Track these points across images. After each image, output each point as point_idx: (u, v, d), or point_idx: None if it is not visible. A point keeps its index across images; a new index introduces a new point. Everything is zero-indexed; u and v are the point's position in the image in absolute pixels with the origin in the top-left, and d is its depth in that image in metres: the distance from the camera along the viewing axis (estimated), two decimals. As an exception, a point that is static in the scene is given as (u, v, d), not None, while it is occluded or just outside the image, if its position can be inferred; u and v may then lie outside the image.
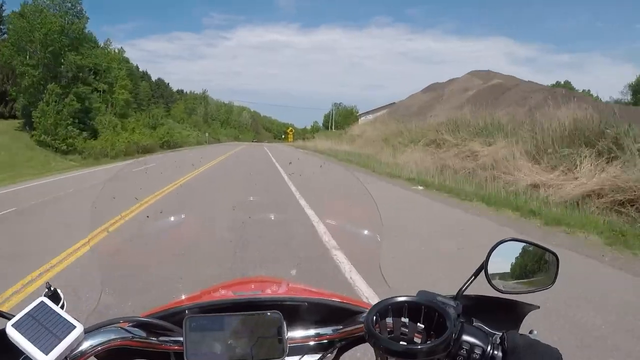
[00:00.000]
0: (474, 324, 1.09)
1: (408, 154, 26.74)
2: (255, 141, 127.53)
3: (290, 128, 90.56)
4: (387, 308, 1.06)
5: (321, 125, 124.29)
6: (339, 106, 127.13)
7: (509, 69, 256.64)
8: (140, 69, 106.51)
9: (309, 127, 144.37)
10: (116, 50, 63.75)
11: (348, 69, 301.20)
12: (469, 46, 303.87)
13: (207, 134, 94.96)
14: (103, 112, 47.34)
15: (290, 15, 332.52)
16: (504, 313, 1.16)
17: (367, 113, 69.67)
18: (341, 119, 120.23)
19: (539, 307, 1.16)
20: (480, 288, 1.14)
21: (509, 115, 24.94)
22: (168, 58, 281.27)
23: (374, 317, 1.04)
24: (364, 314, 1.12)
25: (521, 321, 1.16)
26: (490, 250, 1.17)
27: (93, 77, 52.74)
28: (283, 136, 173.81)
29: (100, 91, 53.55)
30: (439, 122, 28.63)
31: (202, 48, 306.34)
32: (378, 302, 1.08)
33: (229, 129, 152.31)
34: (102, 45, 61.76)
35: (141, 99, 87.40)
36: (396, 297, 1.08)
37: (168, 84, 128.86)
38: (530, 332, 1.04)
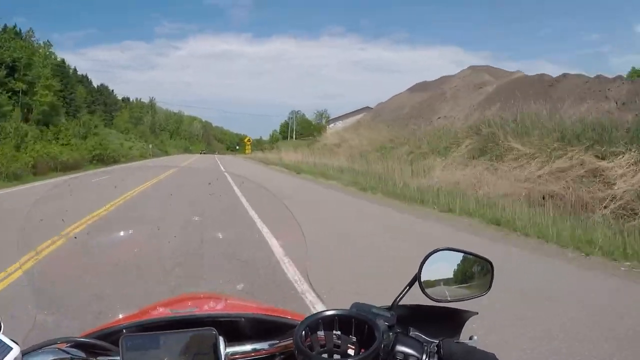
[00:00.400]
0: (411, 333, 1.10)
1: (443, 171, 18.15)
2: (204, 152, 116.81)
3: (248, 138, 79.71)
4: (318, 322, 1.06)
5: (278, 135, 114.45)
6: (297, 114, 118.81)
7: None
8: (80, 72, 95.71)
9: (265, 138, 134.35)
10: (41, 44, 53.36)
11: (301, 79, 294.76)
12: (420, 55, 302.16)
13: (150, 146, 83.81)
14: (15, 118, 37.17)
15: (242, 24, 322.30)
16: (443, 321, 1.17)
17: (338, 119, 60.59)
18: (300, 127, 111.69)
19: (477, 313, 1.18)
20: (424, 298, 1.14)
21: (596, 114, 16.64)
22: (119, 68, 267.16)
23: (303, 332, 1.03)
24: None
25: (462, 328, 1.17)
26: (423, 260, 1.17)
27: (6, 74, 42.85)
28: (237, 147, 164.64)
29: (17, 91, 43.80)
30: (479, 124, 20.21)
31: (153, 57, 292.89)
32: (308, 317, 1.08)
33: (178, 140, 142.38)
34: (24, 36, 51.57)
35: (78, 105, 77.36)
36: (326, 310, 1.08)
37: (112, 90, 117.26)
38: (471, 338, 1.08)
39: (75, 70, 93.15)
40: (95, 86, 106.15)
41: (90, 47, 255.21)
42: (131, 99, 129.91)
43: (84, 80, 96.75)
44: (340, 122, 58.89)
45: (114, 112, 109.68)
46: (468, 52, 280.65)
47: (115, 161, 46.94)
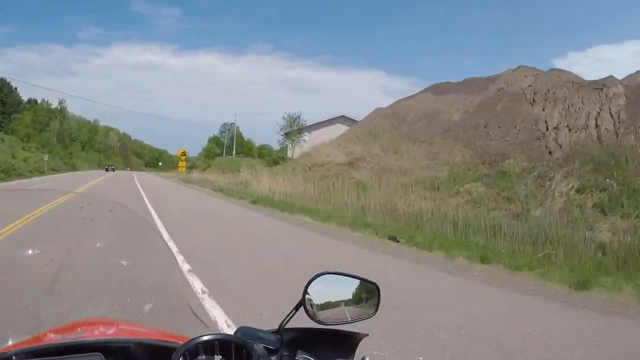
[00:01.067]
0: (298, 357, 1.11)
1: None
2: (112, 168, 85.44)
3: (183, 151, 59.44)
4: (197, 347, 1.05)
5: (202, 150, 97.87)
6: (230, 127, 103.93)
7: (384, 100, 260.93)
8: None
9: (191, 155, 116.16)
10: None
11: (226, 95, 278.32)
12: (344, 77, 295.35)
13: (46, 158, 65.69)
14: None
15: (168, 36, 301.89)
16: (336, 343, 1.18)
17: (306, 128, 46.24)
18: (235, 143, 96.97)
19: (367, 335, 1.20)
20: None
21: None
22: (38, 72, 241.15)
23: (181, 358, 1.01)
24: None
25: (354, 350, 1.18)
26: (307, 284, 1.17)
27: None
28: (160, 164, 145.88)
29: None
30: None
31: (73, 64, 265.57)
32: (187, 341, 1.06)
33: (91, 153, 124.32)
34: None
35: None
36: (205, 335, 1.07)
37: (15, 88, 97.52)
38: (363, 359, 1.11)
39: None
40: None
41: (8, 48, 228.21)
42: (39, 101, 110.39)
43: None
44: (307, 133, 45.18)
45: (16, 114, 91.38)
46: (391, 77, 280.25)
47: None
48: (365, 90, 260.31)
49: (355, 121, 47.54)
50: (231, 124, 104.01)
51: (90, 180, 36.12)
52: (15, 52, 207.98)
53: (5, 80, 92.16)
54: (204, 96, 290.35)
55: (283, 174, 26.64)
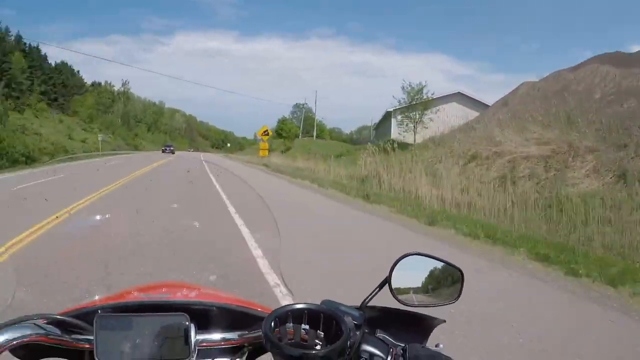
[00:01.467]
0: (377, 334, 1.10)
1: None
2: (169, 150, 67.57)
3: (265, 128, 45.77)
4: (287, 314, 1.06)
5: (272, 132, 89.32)
6: (302, 107, 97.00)
7: (447, 85, 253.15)
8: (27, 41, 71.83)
9: (249, 138, 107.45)
10: None
11: (287, 79, 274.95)
12: (407, 61, 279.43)
13: (100, 138, 58.89)
14: None
15: (229, 23, 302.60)
16: (411, 326, 1.16)
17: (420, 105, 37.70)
18: (306, 124, 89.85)
19: (445, 321, 1.17)
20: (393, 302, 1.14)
21: None
22: (104, 62, 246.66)
23: (272, 323, 1.03)
24: None
25: (429, 334, 1.17)
26: (393, 264, 1.15)
27: None
28: (228, 145, 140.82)
29: None
30: None
31: (139, 53, 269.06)
32: (277, 308, 1.07)
33: (157, 134, 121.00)
34: None
35: (11, 78, 55.33)
36: (296, 303, 1.08)
37: (78, 71, 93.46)
38: (437, 345, 1.07)
39: (6, 30, 68.71)
40: (53, 64, 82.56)
41: (77, 40, 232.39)
42: (102, 84, 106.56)
43: (33, 51, 72.22)
44: (428, 111, 36.81)
45: (78, 96, 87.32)
46: (456, 62, 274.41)
47: (33, 160, 28.31)
48: (428, 74, 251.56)
49: (475, 99, 40.48)
50: (304, 104, 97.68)
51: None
52: (85, 44, 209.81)
53: (66, 64, 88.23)
54: (267, 80, 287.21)
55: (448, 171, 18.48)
